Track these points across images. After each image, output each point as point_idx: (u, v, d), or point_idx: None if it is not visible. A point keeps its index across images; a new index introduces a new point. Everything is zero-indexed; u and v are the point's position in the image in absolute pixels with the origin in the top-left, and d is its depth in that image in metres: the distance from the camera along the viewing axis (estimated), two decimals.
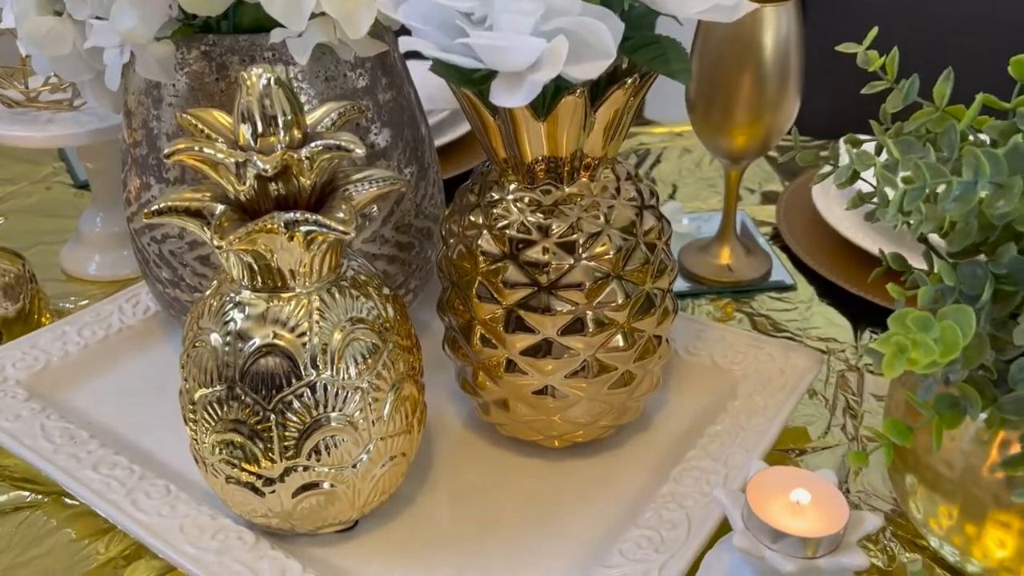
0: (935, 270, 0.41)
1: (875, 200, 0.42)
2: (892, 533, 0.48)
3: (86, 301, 0.71)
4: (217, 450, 0.43)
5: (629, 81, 0.42)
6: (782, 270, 0.72)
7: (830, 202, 0.75)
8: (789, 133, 0.61)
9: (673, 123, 0.99)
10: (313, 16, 0.43)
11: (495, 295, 0.47)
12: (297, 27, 0.42)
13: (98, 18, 0.48)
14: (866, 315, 0.66)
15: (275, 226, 0.39)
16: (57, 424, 0.53)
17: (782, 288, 0.70)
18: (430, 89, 0.69)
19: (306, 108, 0.50)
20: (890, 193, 0.35)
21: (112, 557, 0.48)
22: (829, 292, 0.69)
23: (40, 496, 0.52)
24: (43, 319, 0.66)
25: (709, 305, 0.69)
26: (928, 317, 0.31)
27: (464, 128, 0.92)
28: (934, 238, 0.42)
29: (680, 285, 0.70)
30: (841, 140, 0.68)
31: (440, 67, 0.38)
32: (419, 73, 0.56)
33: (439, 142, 0.85)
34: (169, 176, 0.52)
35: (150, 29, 0.45)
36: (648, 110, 1.16)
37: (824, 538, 0.34)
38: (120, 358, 0.61)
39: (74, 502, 0.51)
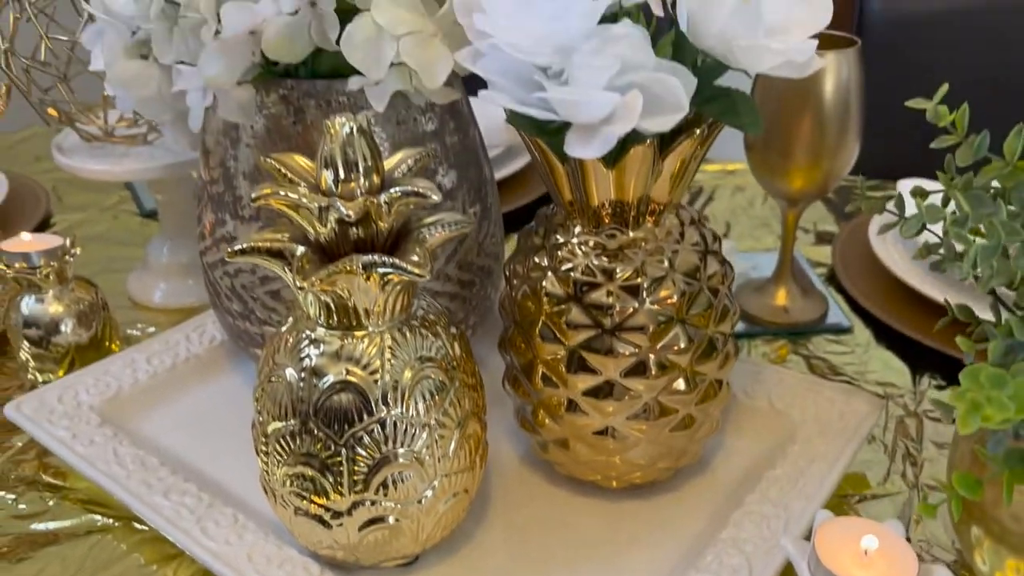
0: (1003, 322, 0.41)
1: (942, 251, 0.43)
2: None
3: (152, 329, 0.73)
4: (288, 482, 0.44)
5: (698, 131, 0.42)
6: (839, 312, 0.72)
7: (887, 245, 0.75)
8: (854, 173, 0.62)
9: (726, 161, 1.00)
10: (391, 65, 0.44)
11: (558, 336, 0.48)
12: (376, 76, 0.44)
13: (182, 63, 0.50)
14: (925, 359, 0.66)
15: (354, 268, 0.40)
16: (129, 450, 0.55)
17: (839, 331, 0.70)
18: (487, 122, 0.71)
19: None
20: (960, 247, 0.35)
21: None
22: (886, 335, 0.69)
23: (111, 520, 0.54)
24: (113, 346, 0.68)
25: (765, 346, 0.69)
26: (1002, 374, 0.31)
27: (520, 163, 0.93)
28: (1002, 289, 0.42)
29: (736, 326, 0.70)
30: (906, 190, 0.68)
31: (515, 118, 0.39)
32: (476, 108, 0.58)
33: (495, 177, 0.87)
34: (244, 213, 0.54)
35: (234, 75, 0.47)
36: None
37: None
38: (187, 386, 0.63)
39: (143, 527, 0.53)
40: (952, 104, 0.41)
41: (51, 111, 0.71)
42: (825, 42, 0.62)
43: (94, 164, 0.70)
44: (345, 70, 0.47)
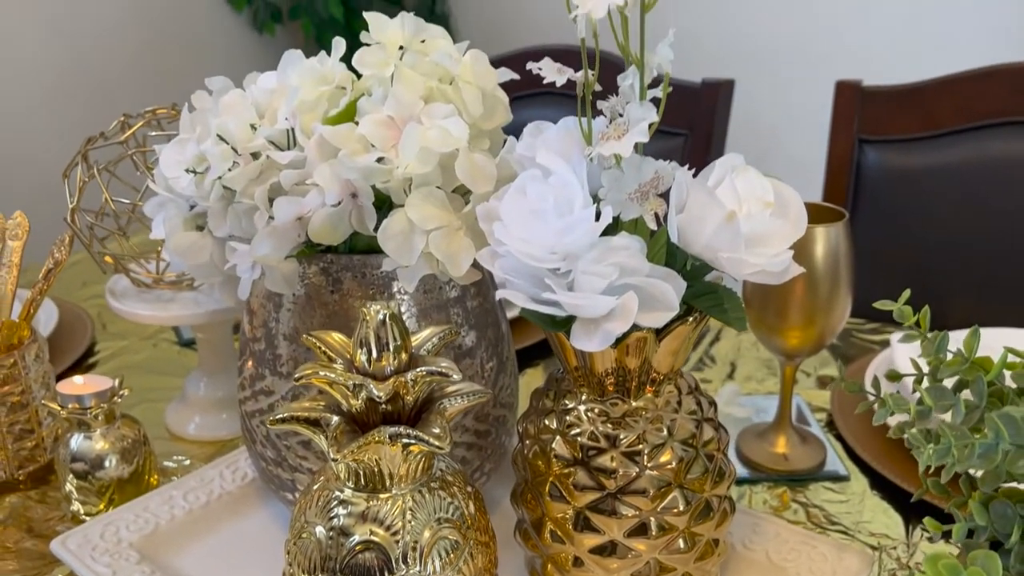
0: (970, 498, 0.44)
1: (914, 432, 0.47)
2: None
3: (188, 461, 0.78)
4: None
5: (691, 319, 0.48)
6: (836, 460, 0.75)
7: None
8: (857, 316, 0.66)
9: None
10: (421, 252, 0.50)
11: (566, 496, 0.52)
12: (407, 263, 0.50)
13: (232, 236, 0.57)
14: (918, 510, 0.69)
15: (382, 438, 0.45)
16: None
17: (836, 478, 0.73)
18: None
19: (406, 316, 0.57)
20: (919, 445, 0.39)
21: None
22: (881, 483, 0.72)
23: None
24: (152, 479, 0.73)
25: (766, 493, 0.72)
26: (956, 565, 0.35)
27: None
28: None
29: (739, 471, 0.74)
30: (897, 342, 0.72)
31: (528, 313, 0.45)
32: None
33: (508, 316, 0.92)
34: (283, 370, 0.59)
35: (281, 254, 0.53)
36: None
37: None
38: (220, 523, 0.67)
39: None
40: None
41: (107, 259, 0.77)
42: (818, 214, 0.68)
43: (143, 309, 0.76)
44: (379, 248, 0.53)
